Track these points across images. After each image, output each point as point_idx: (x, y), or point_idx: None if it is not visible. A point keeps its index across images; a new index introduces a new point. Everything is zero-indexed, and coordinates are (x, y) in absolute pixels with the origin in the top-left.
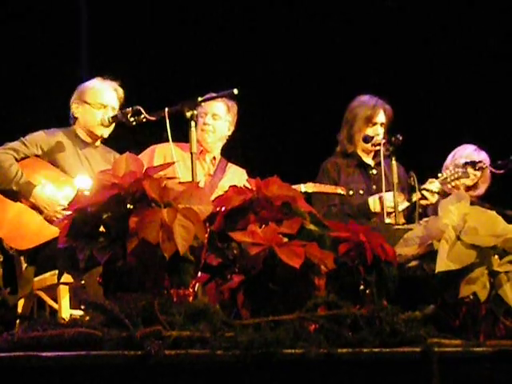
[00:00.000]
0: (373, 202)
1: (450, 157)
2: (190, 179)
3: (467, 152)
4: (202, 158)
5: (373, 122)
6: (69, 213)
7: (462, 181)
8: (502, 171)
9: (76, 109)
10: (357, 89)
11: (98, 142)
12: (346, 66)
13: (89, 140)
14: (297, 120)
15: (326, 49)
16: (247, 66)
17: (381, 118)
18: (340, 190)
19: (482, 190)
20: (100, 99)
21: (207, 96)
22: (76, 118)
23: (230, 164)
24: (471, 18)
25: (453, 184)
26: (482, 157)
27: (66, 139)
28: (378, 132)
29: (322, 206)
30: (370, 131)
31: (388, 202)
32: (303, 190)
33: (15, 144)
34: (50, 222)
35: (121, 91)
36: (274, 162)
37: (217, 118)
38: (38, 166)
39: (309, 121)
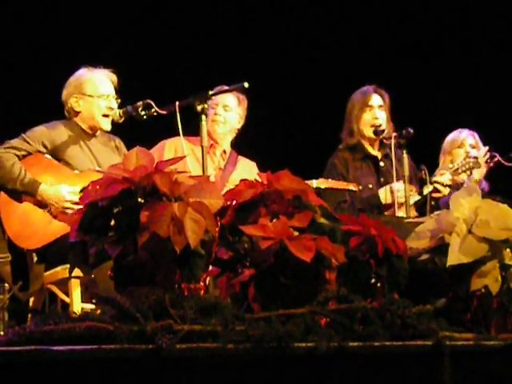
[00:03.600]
0: (384, 194)
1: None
2: (201, 173)
3: (451, 136)
4: (212, 151)
5: (369, 106)
6: (77, 207)
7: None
8: None
9: (76, 103)
10: (368, 82)
11: (98, 132)
12: (359, 60)
13: (90, 132)
14: (307, 114)
15: (337, 43)
16: (258, 59)
17: (376, 100)
18: (352, 187)
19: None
20: (101, 90)
21: (218, 89)
22: (77, 112)
23: (240, 157)
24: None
25: (464, 175)
26: (462, 136)
27: (67, 131)
28: (376, 115)
29: (332, 204)
30: (368, 117)
31: (398, 192)
32: (315, 185)
33: (16, 142)
34: (58, 217)
35: (114, 77)
36: (285, 155)
37: (228, 110)
38: (39, 164)
39: (319, 115)
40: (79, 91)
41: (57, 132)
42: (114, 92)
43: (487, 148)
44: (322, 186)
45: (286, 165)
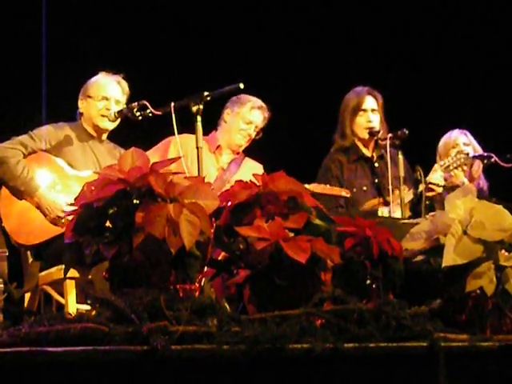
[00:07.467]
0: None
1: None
2: (204, 172)
3: (443, 139)
4: (219, 152)
5: (362, 109)
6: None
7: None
8: (510, 165)
9: (81, 104)
10: (363, 83)
11: (104, 137)
12: (354, 61)
13: (94, 134)
14: (304, 116)
15: (333, 46)
16: (253, 59)
17: (369, 103)
18: (344, 193)
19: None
20: (102, 92)
21: (215, 91)
22: (82, 114)
23: (246, 159)
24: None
25: (455, 171)
26: (454, 136)
27: (73, 133)
28: (369, 119)
29: (327, 208)
30: (361, 120)
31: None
32: None
33: (23, 138)
34: (53, 223)
35: (124, 84)
36: (289, 159)
37: (256, 130)
38: (44, 162)
39: (317, 117)
40: (84, 93)
41: (63, 132)
42: (122, 98)
43: (479, 163)
44: (314, 191)
45: (288, 167)
